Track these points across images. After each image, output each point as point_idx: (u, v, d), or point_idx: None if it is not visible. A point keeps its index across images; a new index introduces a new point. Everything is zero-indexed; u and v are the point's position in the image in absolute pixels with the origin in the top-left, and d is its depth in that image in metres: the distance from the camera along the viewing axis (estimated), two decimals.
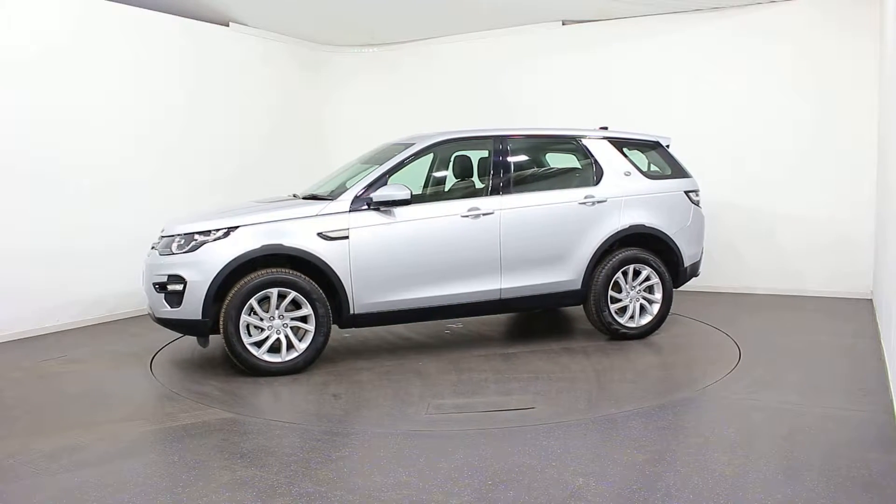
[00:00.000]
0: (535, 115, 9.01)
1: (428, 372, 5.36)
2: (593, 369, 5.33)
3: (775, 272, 8.15)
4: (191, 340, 6.16)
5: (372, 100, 10.16)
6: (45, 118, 6.86)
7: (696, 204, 6.42)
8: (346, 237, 5.36)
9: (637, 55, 8.64)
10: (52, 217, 6.90)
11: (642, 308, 6.14)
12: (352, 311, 5.42)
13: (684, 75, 8.43)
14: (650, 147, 6.48)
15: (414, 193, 5.64)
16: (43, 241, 6.83)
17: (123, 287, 7.50)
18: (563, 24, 9.04)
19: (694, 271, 6.49)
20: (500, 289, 5.75)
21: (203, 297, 5.11)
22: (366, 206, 5.45)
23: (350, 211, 5.42)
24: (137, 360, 5.81)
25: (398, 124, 8.90)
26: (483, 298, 5.74)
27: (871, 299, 7.55)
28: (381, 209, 5.46)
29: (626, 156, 6.22)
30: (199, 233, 5.24)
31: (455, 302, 5.68)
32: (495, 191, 5.83)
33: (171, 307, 5.20)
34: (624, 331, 6.05)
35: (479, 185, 6.08)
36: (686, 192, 6.35)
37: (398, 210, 5.51)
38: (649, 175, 6.27)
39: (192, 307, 5.14)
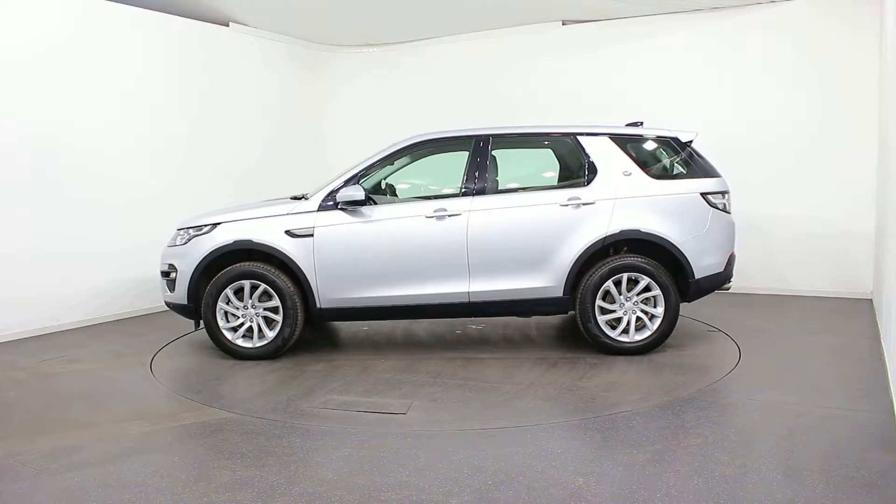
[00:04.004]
0: (536, 115, 9.00)
1: (374, 369, 5.39)
2: (531, 382, 4.96)
3: (775, 272, 8.15)
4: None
5: (371, 100, 10.17)
6: (45, 118, 6.86)
7: (720, 208, 5.69)
8: (312, 235, 5.59)
9: (637, 55, 8.64)
10: (52, 217, 6.91)
11: (643, 322, 5.57)
12: (318, 306, 5.65)
13: (684, 75, 8.42)
14: (665, 144, 5.85)
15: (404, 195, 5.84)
16: (43, 242, 6.84)
17: (123, 287, 7.53)
18: (563, 24, 9.04)
19: (715, 284, 5.73)
20: (469, 292, 5.59)
21: (187, 284, 5.69)
22: (333, 206, 5.65)
23: (318, 210, 5.66)
24: (137, 360, 5.82)
25: (398, 124, 8.90)
26: (450, 301, 5.61)
27: (871, 299, 7.55)
28: (348, 209, 5.62)
29: (630, 154, 5.69)
30: (193, 228, 5.83)
31: (421, 302, 5.63)
32: (468, 192, 5.69)
33: (170, 292, 5.86)
34: (615, 345, 5.52)
35: (453, 185, 5.90)
36: (704, 195, 5.64)
37: (367, 210, 5.65)
38: (657, 175, 5.70)
39: (180, 293, 5.74)
